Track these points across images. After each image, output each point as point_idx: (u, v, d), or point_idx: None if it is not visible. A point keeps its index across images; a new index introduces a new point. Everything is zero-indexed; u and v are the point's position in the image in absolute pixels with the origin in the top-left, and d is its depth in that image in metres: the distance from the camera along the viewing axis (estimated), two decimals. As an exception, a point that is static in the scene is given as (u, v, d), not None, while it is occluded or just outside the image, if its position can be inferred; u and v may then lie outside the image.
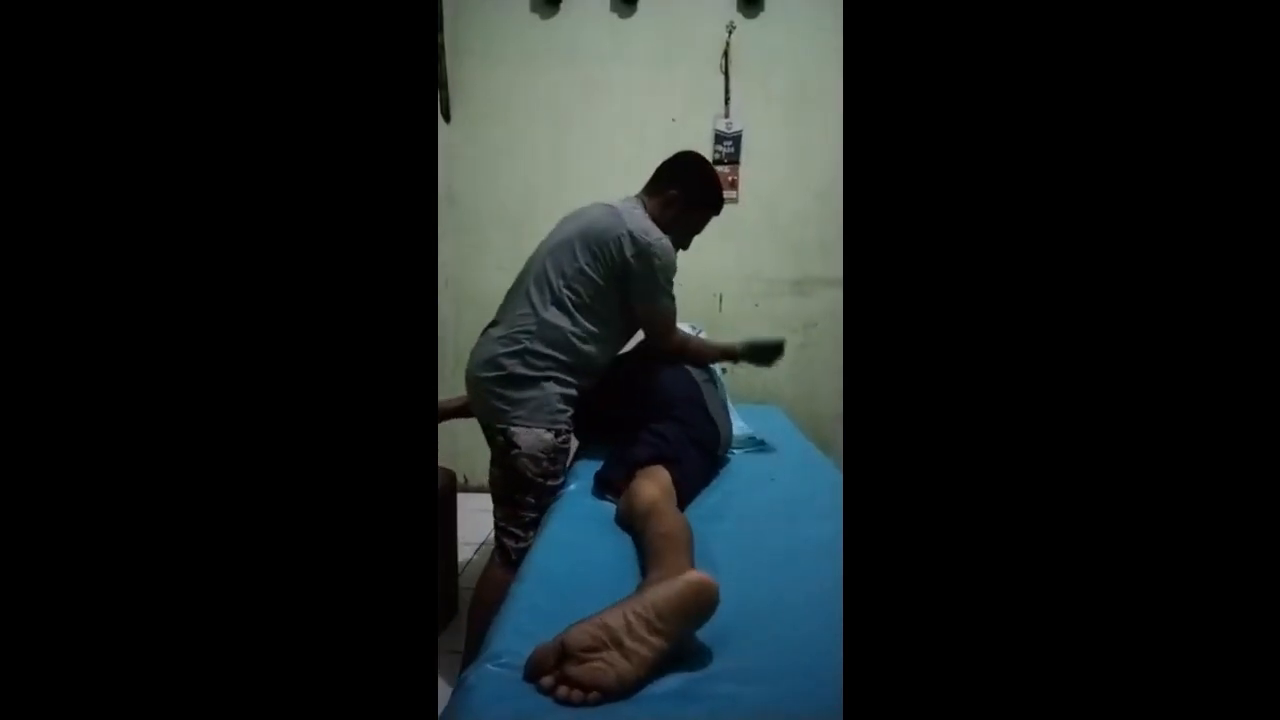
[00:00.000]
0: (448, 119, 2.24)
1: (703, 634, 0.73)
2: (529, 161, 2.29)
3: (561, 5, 2.20)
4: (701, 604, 0.68)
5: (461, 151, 2.28)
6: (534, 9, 2.21)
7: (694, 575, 0.69)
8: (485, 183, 2.31)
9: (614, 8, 2.22)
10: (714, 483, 1.30)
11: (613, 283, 1.26)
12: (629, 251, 1.24)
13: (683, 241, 1.41)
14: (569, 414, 1.28)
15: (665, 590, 0.67)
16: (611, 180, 2.16)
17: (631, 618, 0.66)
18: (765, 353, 1.56)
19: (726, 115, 2.23)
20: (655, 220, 1.32)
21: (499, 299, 2.27)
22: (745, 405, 1.85)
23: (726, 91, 2.22)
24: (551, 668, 0.64)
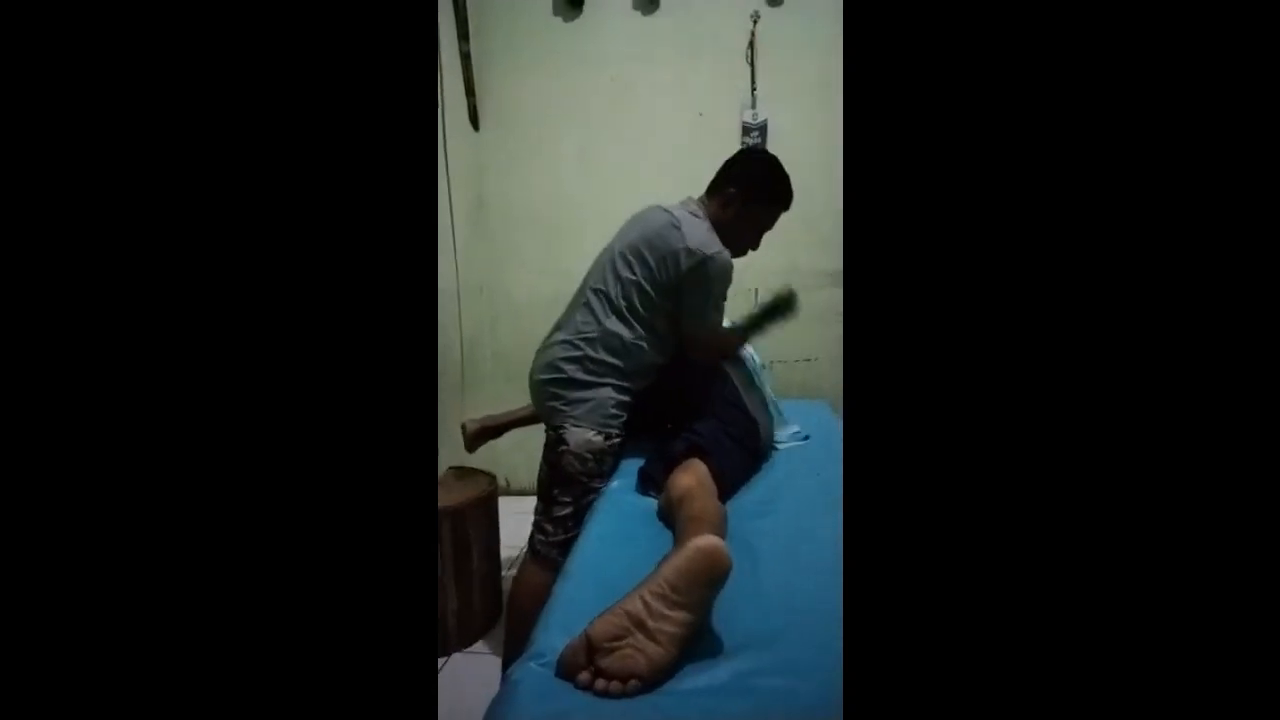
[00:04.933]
0: (476, 126, 2.26)
1: (750, 628, 0.72)
2: (557, 165, 2.30)
3: (584, 6, 2.20)
4: (712, 567, 0.67)
5: (490, 158, 2.30)
6: (556, 11, 2.22)
7: (700, 540, 0.68)
8: (515, 188, 2.32)
9: (636, 6, 2.20)
10: (759, 478, 1.28)
11: (667, 296, 1.26)
12: (684, 266, 1.22)
13: (751, 241, 1.38)
14: (622, 419, 1.28)
15: (674, 562, 0.67)
16: (641, 179, 2.16)
17: (648, 598, 0.66)
18: (775, 312, 1.48)
19: (754, 106, 2.20)
20: (717, 221, 1.30)
21: (534, 305, 2.29)
22: (790, 400, 1.82)
23: (753, 83, 2.19)
24: (584, 664, 0.63)
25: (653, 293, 1.25)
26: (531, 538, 1.30)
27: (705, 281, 1.24)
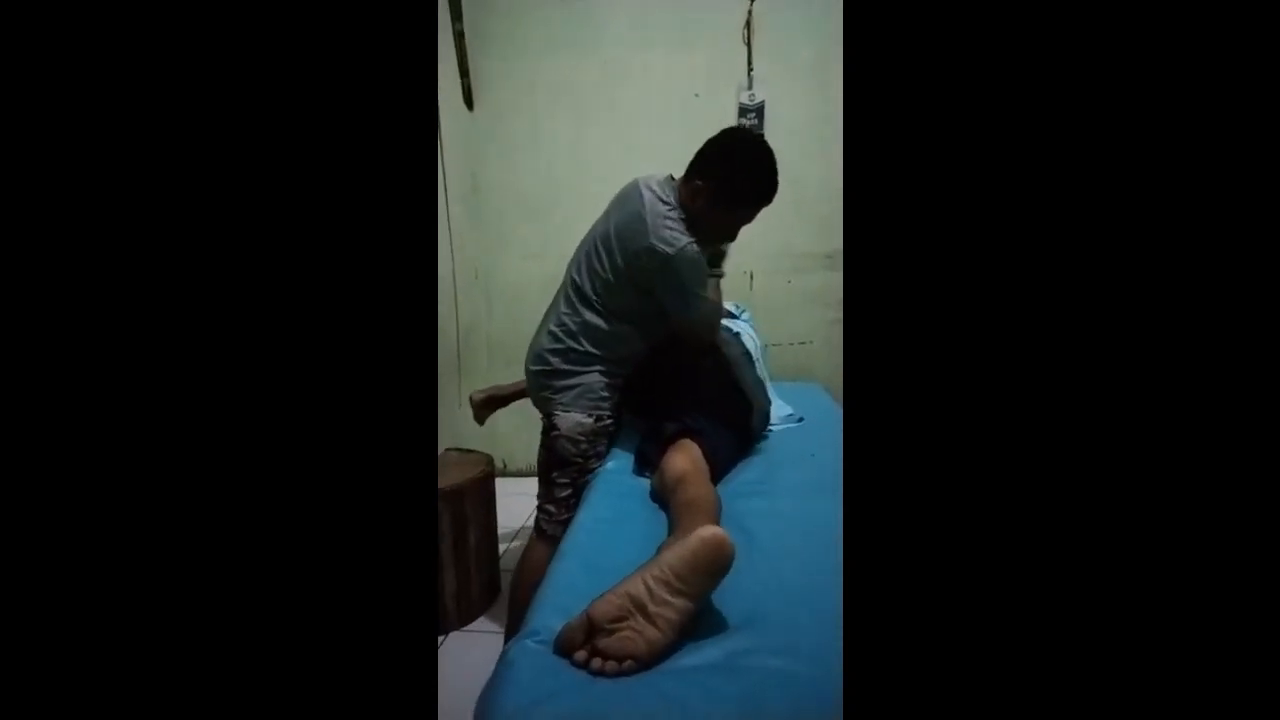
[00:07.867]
0: (470, 107, 2.24)
1: (744, 608, 0.73)
2: (552, 148, 2.28)
3: (580, -13, 2.17)
4: (716, 558, 0.68)
5: (484, 141, 2.28)
6: (552, -8, 2.19)
7: (705, 531, 0.69)
8: (509, 171, 2.31)
9: (633, -14, 2.18)
10: (753, 459, 1.29)
11: (638, 290, 1.22)
12: (651, 266, 1.17)
13: (725, 235, 1.28)
14: (613, 400, 1.29)
15: (679, 550, 0.68)
16: (636, 161, 2.14)
17: (651, 583, 0.66)
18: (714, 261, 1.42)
19: (750, 88, 2.18)
20: (687, 209, 1.21)
21: (528, 289, 2.28)
22: (784, 382, 1.83)
23: (749, 64, 2.17)
24: (582, 642, 0.64)
25: (621, 288, 1.22)
26: (537, 519, 1.32)
27: (675, 278, 1.17)
